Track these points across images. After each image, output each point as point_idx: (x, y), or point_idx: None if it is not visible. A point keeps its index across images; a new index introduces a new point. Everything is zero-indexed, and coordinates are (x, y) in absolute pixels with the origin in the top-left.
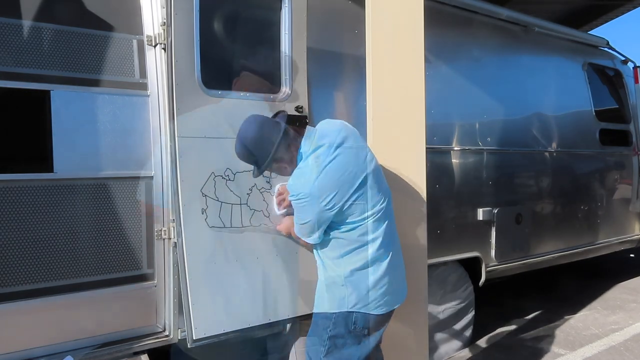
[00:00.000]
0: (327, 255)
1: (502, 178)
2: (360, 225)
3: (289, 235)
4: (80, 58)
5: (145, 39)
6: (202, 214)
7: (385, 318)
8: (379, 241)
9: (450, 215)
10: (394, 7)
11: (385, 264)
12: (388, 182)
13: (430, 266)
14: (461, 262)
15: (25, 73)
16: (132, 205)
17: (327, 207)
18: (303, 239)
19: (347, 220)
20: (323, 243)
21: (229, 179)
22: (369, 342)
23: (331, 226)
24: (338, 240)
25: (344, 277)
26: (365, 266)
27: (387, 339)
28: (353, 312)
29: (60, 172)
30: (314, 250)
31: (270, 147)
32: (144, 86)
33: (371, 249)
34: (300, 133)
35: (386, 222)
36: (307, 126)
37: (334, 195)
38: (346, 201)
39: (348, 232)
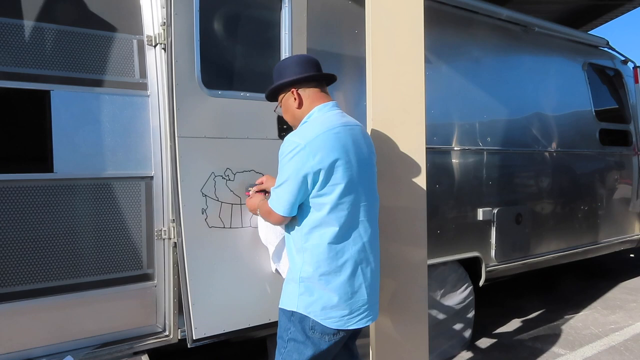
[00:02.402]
0: (293, 242)
1: (502, 178)
2: (332, 215)
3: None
4: (80, 58)
5: (145, 39)
6: (202, 214)
7: (349, 332)
8: (348, 252)
9: (450, 215)
10: (394, 7)
11: (346, 278)
12: (388, 183)
13: (430, 266)
14: (461, 262)
15: (25, 73)
16: (132, 205)
17: (314, 165)
18: (273, 208)
19: (322, 202)
20: (291, 226)
21: (229, 179)
22: (330, 353)
23: (303, 208)
24: (304, 227)
25: (300, 275)
26: (325, 273)
27: (388, 339)
28: (308, 316)
29: (60, 172)
30: (286, 236)
31: (289, 74)
32: (144, 86)
33: (338, 258)
34: (321, 95)
35: (362, 235)
36: (335, 102)
37: (325, 157)
38: (331, 171)
39: (319, 221)
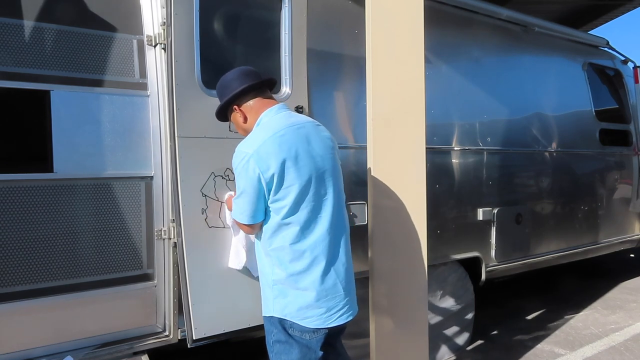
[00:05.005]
0: (260, 248)
1: (502, 178)
2: (292, 217)
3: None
4: (80, 58)
5: (145, 39)
6: (202, 214)
7: (327, 330)
8: (315, 250)
9: (450, 215)
10: (394, 7)
11: (318, 276)
12: (388, 183)
13: (430, 266)
14: (461, 262)
15: (25, 73)
16: (132, 205)
17: (266, 171)
18: (236, 218)
19: (280, 206)
20: (259, 234)
21: (229, 179)
22: (316, 349)
23: (266, 212)
24: (266, 232)
25: (272, 278)
26: (295, 273)
27: (387, 339)
28: (285, 318)
29: (60, 172)
30: (255, 242)
31: (227, 93)
32: (144, 86)
33: (305, 258)
34: (265, 102)
35: (327, 232)
36: (282, 103)
37: (273, 162)
38: (282, 175)
39: (278, 224)
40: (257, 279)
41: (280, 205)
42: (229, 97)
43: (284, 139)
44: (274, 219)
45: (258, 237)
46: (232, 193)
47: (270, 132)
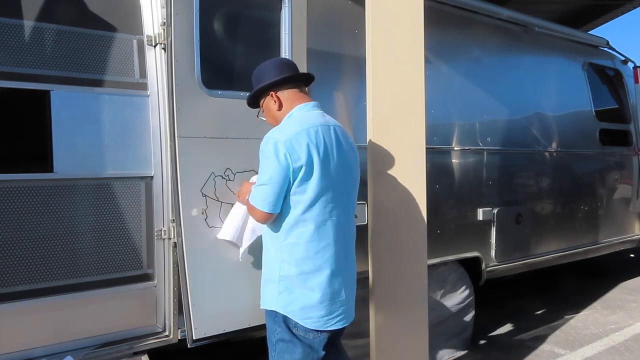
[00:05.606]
0: (271, 241)
1: (502, 178)
2: (309, 214)
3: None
4: (80, 58)
5: (145, 39)
6: (202, 214)
7: (327, 332)
8: (326, 252)
9: (450, 215)
10: (394, 7)
11: (326, 278)
12: (388, 183)
13: (430, 266)
14: (461, 262)
15: (25, 73)
16: (132, 205)
17: (295, 161)
18: (256, 205)
19: (299, 199)
20: (269, 224)
21: (229, 179)
22: (319, 349)
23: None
24: (282, 226)
25: (279, 274)
26: (305, 272)
27: (387, 339)
28: (288, 316)
29: (60, 172)
30: (263, 234)
31: (266, 79)
32: (144, 86)
33: (317, 258)
34: (301, 95)
35: (340, 236)
36: (316, 102)
37: (303, 154)
38: (309, 169)
39: (295, 220)
40: (257, 279)
41: (299, 198)
42: (267, 82)
43: (316, 136)
44: (292, 213)
45: (272, 229)
46: (254, 179)
47: (303, 126)
